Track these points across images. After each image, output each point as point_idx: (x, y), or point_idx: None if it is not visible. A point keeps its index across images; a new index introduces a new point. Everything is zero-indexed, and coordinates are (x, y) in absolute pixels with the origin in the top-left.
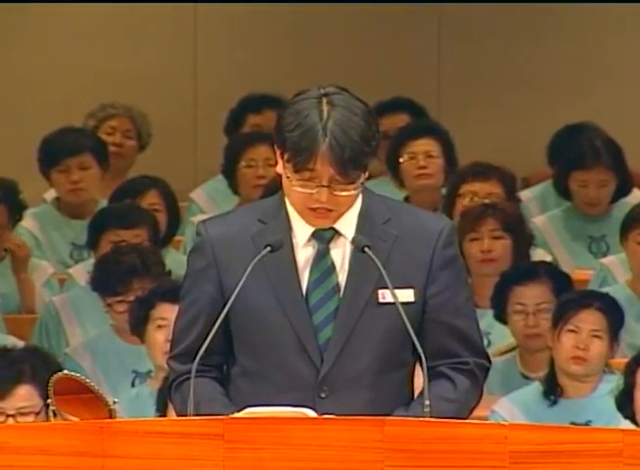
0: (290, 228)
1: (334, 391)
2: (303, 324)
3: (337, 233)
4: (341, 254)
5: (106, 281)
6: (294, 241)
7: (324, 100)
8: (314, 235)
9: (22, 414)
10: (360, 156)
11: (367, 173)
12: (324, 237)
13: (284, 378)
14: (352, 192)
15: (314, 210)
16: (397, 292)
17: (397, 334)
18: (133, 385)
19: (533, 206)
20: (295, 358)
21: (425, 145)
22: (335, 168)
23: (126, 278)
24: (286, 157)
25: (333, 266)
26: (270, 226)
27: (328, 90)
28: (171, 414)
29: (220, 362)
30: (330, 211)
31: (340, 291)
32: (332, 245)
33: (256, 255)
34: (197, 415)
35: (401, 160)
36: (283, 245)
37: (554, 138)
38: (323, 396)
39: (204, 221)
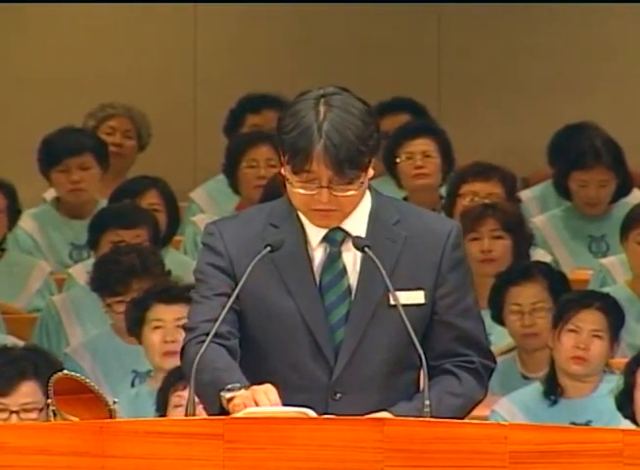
0: (302, 231)
1: (347, 392)
2: (319, 324)
3: (348, 235)
4: (352, 256)
5: (105, 281)
6: (307, 243)
7: (322, 101)
8: (326, 238)
9: (26, 411)
10: (357, 155)
11: (371, 172)
12: (335, 240)
13: (297, 378)
14: (353, 192)
15: (317, 210)
16: (408, 294)
17: (408, 336)
18: (133, 385)
19: (533, 206)
20: (309, 359)
21: (422, 145)
22: (331, 169)
23: (126, 278)
24: (285, 158)
25: (344, 269)
26: (282, 230)
27: (327, 91)
28: (171, 414)
29: (237, 334)
30: (333, 211)
31: (351, 294)
32: (343, 247)
33: (270, 259)
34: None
35: (398, 160)
36: (289, 245)
37: (554, 138)
38: (336, 397)
39: (214, 223)
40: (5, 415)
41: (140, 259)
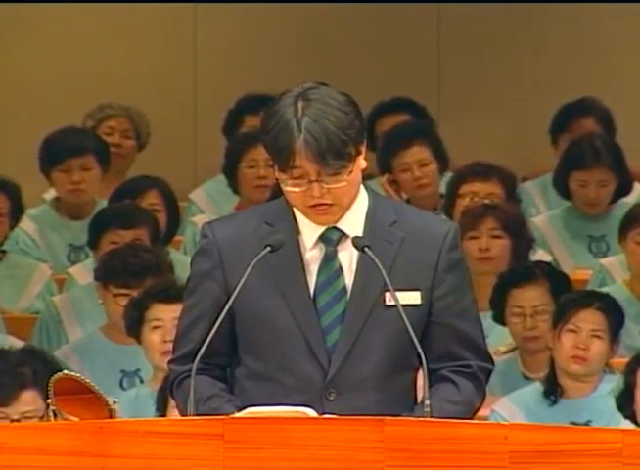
0: (297, 231)
1: (342, 393)
2: (311, 326)
3: (344, 235)
4: (348, 256)
5: (119, 272)
6: (301, 243)
7: (300, 97)
8: (321, 237)
9: (27, 418)
10: (339, 145)
11: (364, 164)
12: (331, 239)
13: (291, 380)
14: (344, 183)
15: (314, 206)
16: (404, 294)
17: (405, 336)
18: (122, 385)
19: (536, 193)
20: (302, 360)
21: (417, 154)
22: (315, 162)
23: (142, 274)
24: (272, 158)
25: (340, 269)
26: (277, 229)
27: (305, 86)
28: (171, 414)
29: (223, 363)
30: (330, 205)
31: (347, 294)
32: (339, 247)
33: (265, 260)
34: (197, 414)
35: (395, 173)
36: (284, 244)
37: (555, 118)
38: (331, 398)
39: (209, 223)
40: (5, 423)
41: (156, 259)
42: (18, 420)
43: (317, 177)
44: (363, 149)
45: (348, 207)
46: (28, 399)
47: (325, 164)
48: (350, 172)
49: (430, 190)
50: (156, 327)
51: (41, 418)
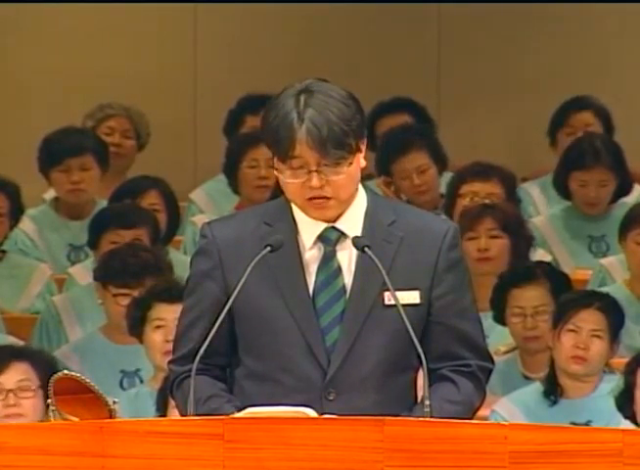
0: (296, 230)
1: (341, 393)
2: (310, 326)
3: (343, 235)
4: (347, 256)
5: (119, 271)
6: (300, 243)
7: (303, 90)
8: (320, 237)
9: (22, 389)
10: (340, 135)
11: (363, 162)
12: (330, 239)
13: (291, 380)
14: (343, 176)
15: (312, 200)
16: (403, 294)
17: (404, 336)
18: (121, 385)
19: (536, 193)
20: (302, 360)
21: (415, 160)
22: (316, 150)
23: (141, 273)
24: (272, 150)
25: (339, 269)
26: (276, 228)
27: (307, 82)
28: (171, 414)
29: (222, 363)
30: (328, 198)
31: (346, 293)
32: (338, 247)
33: (264, 260)
34: (197, 414)
35: (395, 179)
36: (283, 244)
37: (553, 117)
38: (330, 398)
39: (208, 223)
40: (2, 396)
41: (155, 259)
42: (13, 391)
43: (317, 167)
44: (363, 147)
45: (347, 204)
46: (21, 369)
47: (325, 154)
48: (350, 164)
49: (430, 195)
50: (158, 327)
51: (35, 391)
